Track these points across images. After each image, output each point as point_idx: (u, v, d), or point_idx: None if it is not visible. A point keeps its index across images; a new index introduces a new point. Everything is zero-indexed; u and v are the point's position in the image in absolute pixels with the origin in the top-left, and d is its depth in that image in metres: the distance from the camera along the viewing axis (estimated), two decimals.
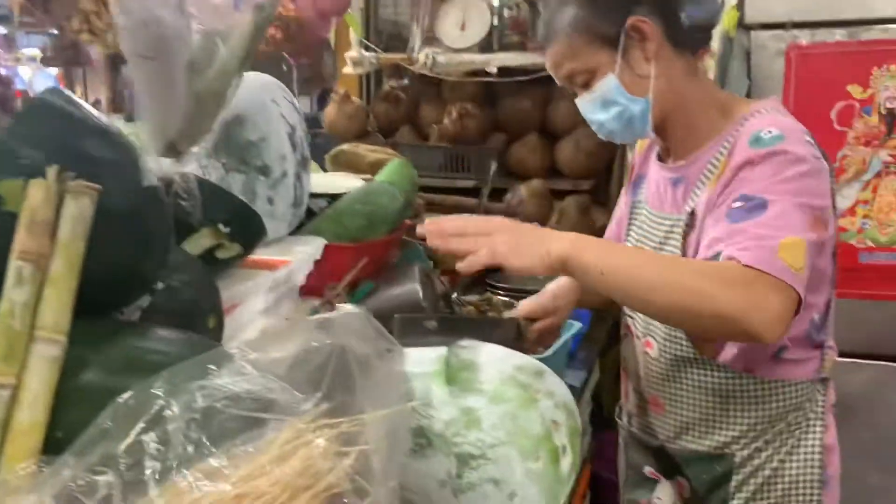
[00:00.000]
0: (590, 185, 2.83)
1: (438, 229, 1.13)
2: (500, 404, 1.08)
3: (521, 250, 1.09)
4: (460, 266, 1.12)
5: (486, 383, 1.09)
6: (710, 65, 2.15)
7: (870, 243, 1.99)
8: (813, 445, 1.33)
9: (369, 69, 3.15)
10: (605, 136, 1.32)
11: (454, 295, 1.96)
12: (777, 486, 1.33)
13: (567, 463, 1.17)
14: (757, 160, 1.15)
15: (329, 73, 3.63)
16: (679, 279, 1.05)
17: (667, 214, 1.35)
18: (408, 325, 1.15)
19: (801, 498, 1.33)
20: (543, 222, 2.82)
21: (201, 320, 1.04)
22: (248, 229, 1.23)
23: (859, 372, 2.04)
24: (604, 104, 1.26)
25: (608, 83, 1.24)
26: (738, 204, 1.13)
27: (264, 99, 1.41)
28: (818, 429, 1.33)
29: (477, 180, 2.87)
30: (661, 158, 1.40)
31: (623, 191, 1.58)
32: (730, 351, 1.30)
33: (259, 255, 1.44)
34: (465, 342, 1.18)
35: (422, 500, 1.09)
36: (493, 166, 2.83)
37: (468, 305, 1.90)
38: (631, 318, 1.46)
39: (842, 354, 2.00)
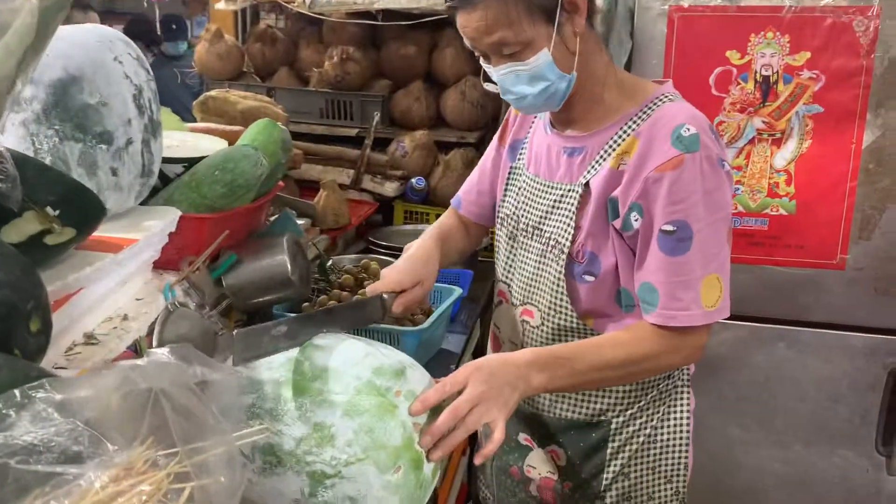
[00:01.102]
0: (476, 137, 2.77)
1: (431, 435, 1.04)
2: (356, 417, 1.01)
3: (504, 399, 1.07)
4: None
5: (339, 394, 1.02)
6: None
7: (740, 209, 2.04)
8: (682, 411, 1.38)
9: (244, 4, 2.94)
10: (521, 108, 1.29)
11: (329, 262, 1.87)
12: (650, 452, 1.38)
13: (430, 467, 1.12)
14: (682, 166, 1.17)
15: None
16: (630, 365, 1.21)
17: (556, 183, 1.32)
18: (252, 339, 1.06)
19: (671, 460, 1.38)
20: (427, 175, 2.75)
21: (22, 325, 0.92)
22: (82, 210, 1.10)
23: (724, 332, 2.11)
24: (532, 79, 1.21)
25: (543, 59, 1.19)
26: (668, 228, 1.19)
27: (104, 56, 1.25)
28: (685, 396, 1.39)
29: (360, 129, 2.76)
30: (553, 126, 1.37)
31: (492, 145, 1.55)
32: (611, 326, 1.31)
33: (103, 231, 1.30)
34: (321, 338, 1.10)
35: None
36: (377, 115, 2.72)
37: (344, 274, 1.83)
38: (507, 284, 1.43)
39: None
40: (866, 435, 2.09)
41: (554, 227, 1.30)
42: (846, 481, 2.13)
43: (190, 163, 1.50)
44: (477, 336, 2.25)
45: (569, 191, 1.29)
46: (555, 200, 1.32)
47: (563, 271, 1.29)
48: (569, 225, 1.27)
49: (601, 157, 1.26)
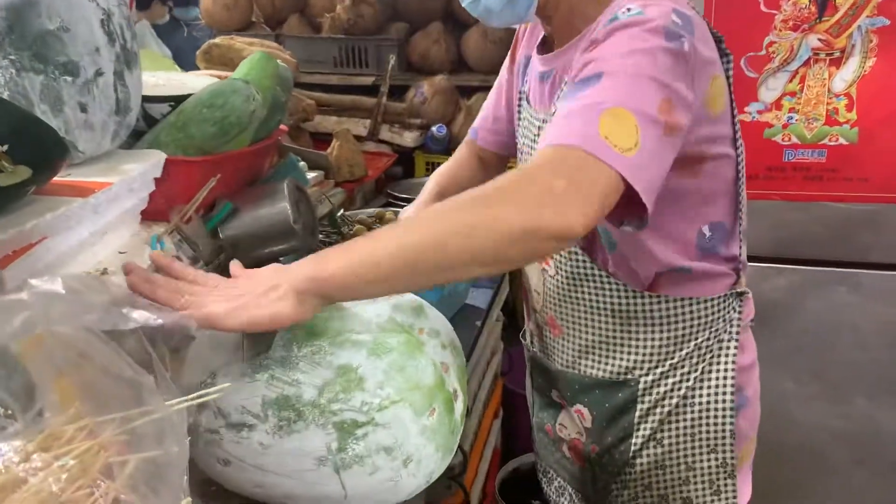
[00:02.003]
0: None
1: (144, 276, 0.87)
2: (384, 356, 0.90)
3: (245, 301, 0.81)
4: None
5: (362, 333, 0.90)
6: None
7: (795, 139, 1.83)
8: (725, 370, 1.19)
9: None
10: (479, 13, 1.11)
11: (340, 213, 1.72)
12: (686, 416, 1.20)
13: (460, 408, 1.04)
14: (604, 37, 0.96)
15: None
16: (448, 222, 0.81)
17: (537, 112, 1.19)
18: (260, 341, 0.89)
19: (712, 426, 1.20)
20: (449, 122, 2.58)
21: None
22: (37, 145, 0.95)
23: (777, 277, 1.92)
24: None
25: None
26: (571, 86, 0.95)
27: None
28: (731, 351, 1.19)
29: (375, 76, 2.59)
30: (540, 48, 1.21)
31: (505, 63, 1.39)
32: (624, 268, 1.15)
33: (74, 177, 1.16)
34: None
35: (294, 484, 0.90)
36: (393, 60, 2.56)
37: (357, 225, 1.67)
38: None
39: (759, 259, 1.88)
40: None
41: None
42: None
43: (176, 101, 1.35)
44: (507, 289, 2.09)
45: (544, 122, 1.14)
46: (536, 133, 1.18)
47: None
48: None
49: (564, 80, 1.09)
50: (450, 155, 2.54)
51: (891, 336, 1.90)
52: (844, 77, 1.77)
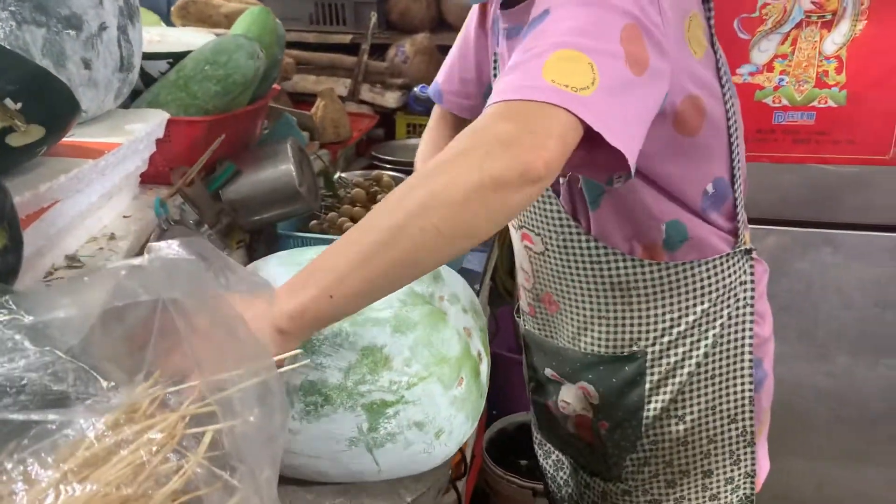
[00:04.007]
0: None
1: None
2: (408, 332, 0.86)
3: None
4: None
5: (383, 309, 0.86)
6: None
7: (785, 102, 1.84)
8: (743, 339, 1.14)
9: None
10: None
11: (336, 175, 1.68)
12: (703, 386, 1.15)
13: (485, 370, 1.02)
14: None
15: None
16: (400, 208, 0.70)
17: None
18: None
19: (732, 395, 1.17)
20: (432, 82, 2.53)
21: None
22: (51, 104, 0.90)
23: (766, 237, 1.96)
24: None
25: None
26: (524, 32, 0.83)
27: None
28: (748, 318, 1.15)
29: (355, 34, 2.53)
30: (504, 3, 1.07)
31: (473, 18, 1.25)
32: (617, 233, 1.08)
33: (77, 137, 1.11)
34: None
35: (327, 464, 0.88)
36: (374, 18, 2.49)
37: (354, 188, 1.64)
38: None
39: (750, 221, 1.91)
40: None
41: None
42: (893, 392, 2.01)
43: (175, 58, 1.29)
44: (497, 254, 2.08)
45: None
46: None
47: None
48: None
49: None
50: None
51: (874, 295, 1.95)
52: (835, 40, 1.79)
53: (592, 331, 1.16)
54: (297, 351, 0.64)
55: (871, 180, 1.86)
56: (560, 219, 1.09)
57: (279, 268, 0.95)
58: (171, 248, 0.50)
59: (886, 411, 2.03)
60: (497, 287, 2.63)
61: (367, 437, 0.85)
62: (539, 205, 1.11)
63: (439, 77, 1.35)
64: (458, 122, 1.35)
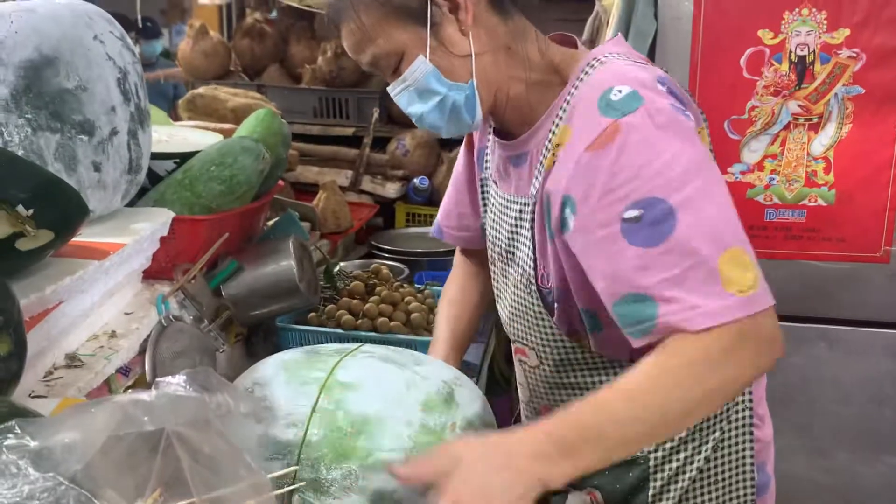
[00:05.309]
0: None
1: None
2: None
3: (493, 494, 0.79)
4: None
5: (393, 450, 0.85)
6: (613, 3, 1.97)
7: (776, 200, 1.89)
8: (741, 440, 1.15)
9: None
10: (431, 129, 1.06)
11: (336, 268, 1.70)
12: (707, 491, 1.15)
13: None
14: (620, 133, 0.90)
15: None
16: (680, 396, 0.86)
17: (513, 197, 1.12)
18: None
19: (735, 499, 1.16)
20: (430, 174, 2.60)
21: None
22: (60, 208, 0.93)
23: None
24: (419, 94, 1.01)
25: (420, 68, 0.98)
26: (632, 214, 0.88)
27: (82, 34, 1.08)
28: (745, 420, 1.16)
29: (357, 128, 2.61)
30: (498, 134, 1.14)
31: (461, 156, 1.32)
32: (620, 349, 1.07)
33: (86, 236, 1.13)
34: (345, 371, 0.92)
35: None
36: (375, 112, 2.57)
37: (353, 280, 1.66)
38: (500, 316, 1.23)
39: None
40: None
41: (520, 251, 1.10)
42: (893, 490, 1.99)
43: (182, 158, 1.34)
44: (493, 343, 2.09)
45: (525, 205, 1.07)
46: (515, 217, 1.11)
47: (541, 304, 1.08)
48: (529, 248, 1.06)
49: (543, 157, 1.03)
50: (431, 205, 2.58)
51: (871, 391, 1.95)
52: (822, 141, 1.85)
53: None
54: (294, 468, 0.65)
55: (864, 277, 1.89)
56: (555, 338, 1.11)
57: (286, 388, 0.91)
58: (176, 382, 0.51)
59: None
60: (494, 374, 2.62)
61: None
62: (532, 319, 1.12)
63: (439, 214, 1.40)
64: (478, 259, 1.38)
